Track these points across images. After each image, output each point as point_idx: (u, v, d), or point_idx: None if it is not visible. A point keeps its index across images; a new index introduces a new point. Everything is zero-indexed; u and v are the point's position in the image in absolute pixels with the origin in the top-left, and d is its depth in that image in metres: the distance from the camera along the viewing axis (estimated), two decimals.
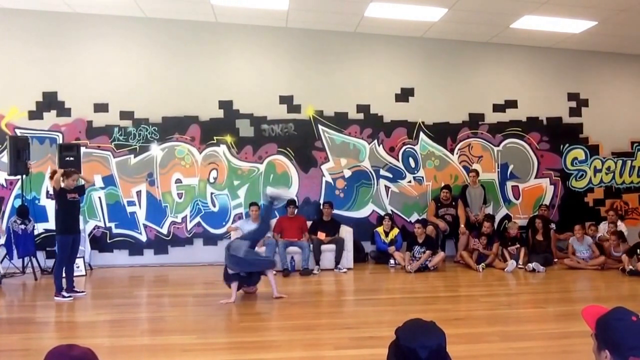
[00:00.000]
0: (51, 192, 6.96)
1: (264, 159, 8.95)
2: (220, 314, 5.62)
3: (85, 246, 8.08)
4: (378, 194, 9.21)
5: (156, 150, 8.70)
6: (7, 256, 7.58)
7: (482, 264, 8.05)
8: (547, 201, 9.60)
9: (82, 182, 6.86)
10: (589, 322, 1.81)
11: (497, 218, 9.29)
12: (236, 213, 8.85)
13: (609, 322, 1.74)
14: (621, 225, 8.74)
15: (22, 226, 7.66)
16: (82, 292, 6.57)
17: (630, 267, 7.47)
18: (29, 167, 7.86)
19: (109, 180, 8.58)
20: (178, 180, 8.75)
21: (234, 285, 6.03)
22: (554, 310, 5.74)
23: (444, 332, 1.68)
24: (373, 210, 9.19)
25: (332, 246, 8.15)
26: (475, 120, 9.49)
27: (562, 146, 9.72)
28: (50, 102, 8.45)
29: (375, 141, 9.20)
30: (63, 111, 8.49)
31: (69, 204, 6.39)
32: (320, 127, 9.08)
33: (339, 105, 9.11)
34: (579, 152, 9.81)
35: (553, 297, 6.49)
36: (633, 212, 9.96)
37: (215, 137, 8.82)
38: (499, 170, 9.58)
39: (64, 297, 6.21)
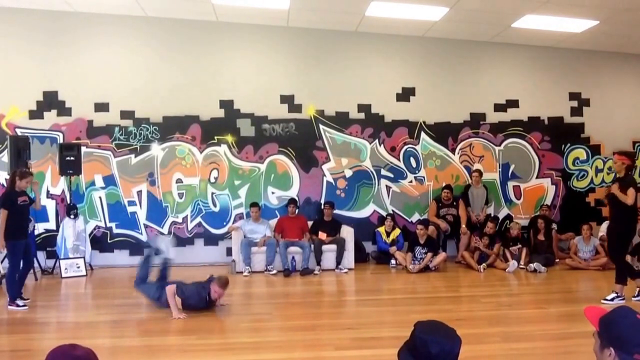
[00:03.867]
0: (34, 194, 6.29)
1: (265, 159, 8.93)
2: (220, 315, 5.61)
3: (85, 246, 8.09)
4: (379, 193, 9.20)
5: (157, 150, 8.69)
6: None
7: (484, 264, 8.03)
8: (548, 201, 9.58)
9: (33, 193, 6.28)
10: (592, 321, 1.80)
11: (499, 218, 9.27)
12: (237, 213, 8.83)
13: (613, 319, 1.74)
14: None
15: None
16: (27, 299, 6.03)
17: (634, 267, 7.45)
18: (30, 167, 7.83)
19: (109, 180, 8.56)
20: (179, 180, 8.74)
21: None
22: (556, 311, 5.72)
23: (462, 341, 1.67)
24: (374, 210, 9.17)
25: (333, 246, 8.14)
26: (476, 120, 9.47)
27: (563, 146, 9.70)
28: (50, 101, 8.44)
29: (377, 141, 9.19)
30: (64, 111, 8.48)
31: (20, 208, 5.90)
32: (321, 126, 9.06)
33: (340, 105, 9.10)
34: (580, 152, 9.78)
35: (554, 297, 6.46)
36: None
37: (216, 137, 8.80)
38: (500, 170, 9.56)
39: (18, 305, 5.77)
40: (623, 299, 5.81)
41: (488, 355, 4.19)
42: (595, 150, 9.80)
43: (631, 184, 5.80)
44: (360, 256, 8.63)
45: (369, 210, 9.18)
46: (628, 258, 7.57)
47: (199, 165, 8.78)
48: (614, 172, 6.19)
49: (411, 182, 9.30)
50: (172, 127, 8.70)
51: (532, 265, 7.84)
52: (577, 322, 5.05)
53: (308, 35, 9.04)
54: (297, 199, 8.80)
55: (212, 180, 8.82)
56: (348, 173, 9.12)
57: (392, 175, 9.24)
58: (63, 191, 8.41)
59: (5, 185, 6.12)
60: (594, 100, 9.82)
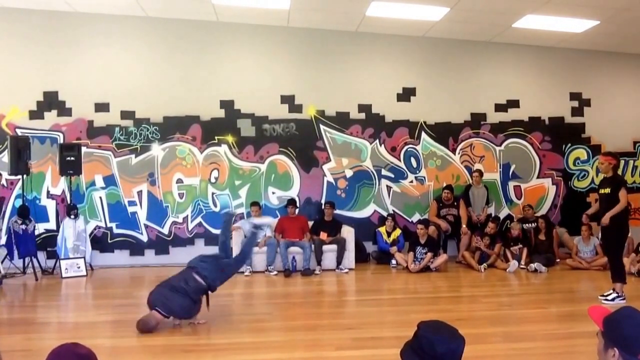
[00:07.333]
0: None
1: (266, 159, 8.93)
2: (221, 315, 5.60)
3: (86, 246, 8.08)
4: (380, 194, 9.19)
5: (157, 150, 8.69)
6: (7, 256, 7.57)
7: (484, 264, 8.03)
8: (549, 201, 9.59)
9: None
10: (595, 320, 1.79)
11: (499, 218, 9.26)
12: (237, 213, 8.83)
13: (618, 319, 1.73)
14: None
15: (23, 226, 7.64)
16: None
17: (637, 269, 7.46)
18: (30, 167, 7.85)
19: (109, 180, 8.56)
20: (179, 180, 8.74)
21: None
22: (557, 311, 5.71)
23: (465, 341, 1.67)
24: (375, 211, 9.17)
25: (334, 246, 8.13)
26: (477, 120, 9.47)
27: (564, 146, 9.70)
28: (51, 101, 8.44)
29: (377, 141, 9.18)
30: (64, 111, 8.48)
31: None
32: (321, 126, 9.06)
33: (340, 105, 9.09)
34: (581, 152, 9.78)
35: (555, 297, 6.45)
36: (636, 212, 9.93)
37: (216, 137, 8.80)
38: (501, 170, 9.56)
39: None
40: (624, 299, 5.80)
41: (489, 355, 4.17)
42: (596, 150, 9.76)
43: (622, 183, 5.92)
44: (361, 256, 8.63)
45: (370, 211, 9.17)
46: (627, 260, 7.57)
47: (199, 165, 8.78)
48: (602, 173, 6.24)
49: (412, 182, 9.30)
50: (173, 127, 8.70)
51: (533, 265, 7.83)
52: (577, 322, 5.05)
53: (308, 35, 9.04)
54: (296, 199, 8.79)
55: (213, 180, 8.81)
56: (348, 173, 9.11)
57: (392, 176, 9.23)
58: (63, 191, 8.41)
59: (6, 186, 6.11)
60: (594, 100, 9.82)
